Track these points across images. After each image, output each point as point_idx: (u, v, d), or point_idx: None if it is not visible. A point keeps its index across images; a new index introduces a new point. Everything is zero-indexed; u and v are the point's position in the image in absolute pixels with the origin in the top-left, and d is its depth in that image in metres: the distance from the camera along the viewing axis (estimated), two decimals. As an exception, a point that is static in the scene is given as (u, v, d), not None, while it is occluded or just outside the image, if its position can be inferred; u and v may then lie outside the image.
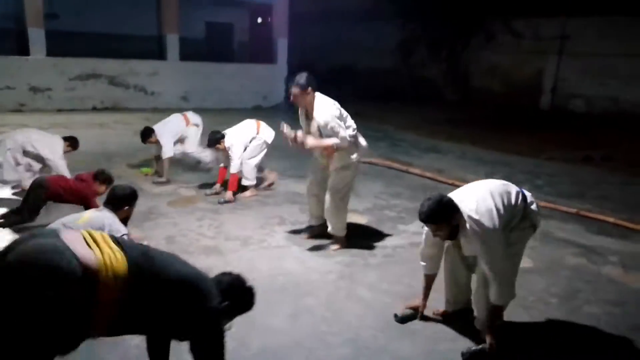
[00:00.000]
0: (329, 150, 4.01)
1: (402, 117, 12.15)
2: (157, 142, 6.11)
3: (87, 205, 4.00)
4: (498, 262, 2.70)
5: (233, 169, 5.47)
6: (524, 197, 2.89)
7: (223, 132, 5.59)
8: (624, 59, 12.29)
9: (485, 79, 15.22)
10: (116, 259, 1.79)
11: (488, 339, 2.73)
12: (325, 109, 3.96)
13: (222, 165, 5.76)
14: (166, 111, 12.04)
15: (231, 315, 2.19)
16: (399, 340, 2.87)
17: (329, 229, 4.25)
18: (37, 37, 11.00)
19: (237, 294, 2.15)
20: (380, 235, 4.55)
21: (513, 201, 2.80)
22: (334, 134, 3.89)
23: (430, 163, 7.59)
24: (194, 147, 6.57)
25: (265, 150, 5.79)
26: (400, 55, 16.53)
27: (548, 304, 3.37)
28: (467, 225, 2.67)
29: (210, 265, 3.80)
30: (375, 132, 10.30)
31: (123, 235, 3.00)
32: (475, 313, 2.96)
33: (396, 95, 15.24)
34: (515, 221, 2.82)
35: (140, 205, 4.97)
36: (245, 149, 5.60)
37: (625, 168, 7.58)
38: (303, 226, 4.62)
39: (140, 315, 1.88)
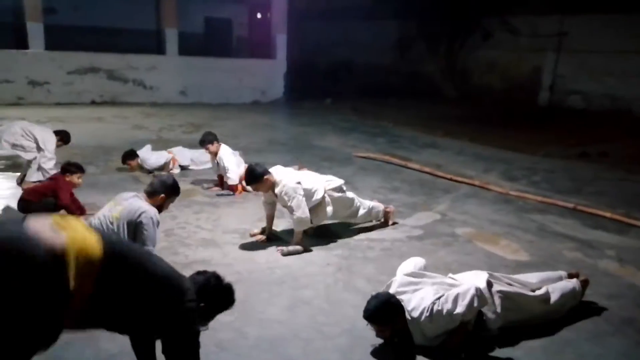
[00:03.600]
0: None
1: (401, 113, 12.16)
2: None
3: (58, 199, 4.34)
4: None
5: (232, 181, 5.47)
6: None
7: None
8: (621, 56, 12.30)
9: (484, 76, 15.20)
10: (87, 243, 1.67)
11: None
12: (285, 182, 3.95)
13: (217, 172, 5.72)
14: (164, 105, 12.10)
15: (209, 316, 2.17)
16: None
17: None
18: (35, 31, 10.99)
19: (214, 294, 2.14)
20: (378, 230, 4.57)
21: None
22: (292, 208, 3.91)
23: (429, 158, 7.61)
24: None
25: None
26: (398, 52, 16.53)
27: (544, 297, 3.39)
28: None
29: (208, 257, 3.83)
30: (374, 128, 10.34)
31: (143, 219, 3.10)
32: None
33: (394, 92, 15.22)
34: None
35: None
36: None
37: (622, 164, 7.60)
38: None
39: (113, 307, 1.79)
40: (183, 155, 6.46)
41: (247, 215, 4.82)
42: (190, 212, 4.81)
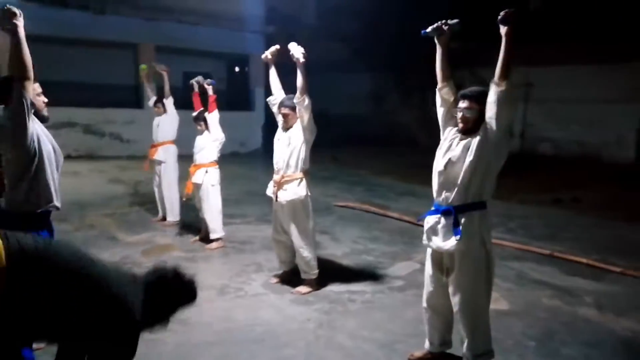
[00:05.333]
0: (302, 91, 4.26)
1: (377, 162, 12.36)
2: None
3: None
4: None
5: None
6: None
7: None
8: (586, 105, 12.87)
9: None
10: None
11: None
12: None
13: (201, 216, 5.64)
14: (142, 159, 12.04)
15: (170, 314, 2.10)
16: (380, 389, 2.82)
17: (301, 274, 4.25)
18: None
19: (176, 292, 2.09)
20: (359, 281, 4.53)
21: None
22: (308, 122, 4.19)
23: (407, 207, 7.68)
24: (172, 191, 6.43)
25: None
26: (374, 103, 17.00)
27: (526, 347, 3.38)
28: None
29: (185, 316, 3.71)
30: (352, 177, 10.45)
31: None
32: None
33: (370, 141, 15.55)
34: None
35: (113, 255, 4.92)
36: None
37: (593, 210, 7.79)
38: (280, 272, 4.58)
39: (31, 314, 1.70)
40: None
41: (225, 269, 4.75)
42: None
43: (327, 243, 5.68)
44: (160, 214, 6.39)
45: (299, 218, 4.20)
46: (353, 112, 17.10)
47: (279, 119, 4.35)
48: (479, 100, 2.79)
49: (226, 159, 10.44)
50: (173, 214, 6.34)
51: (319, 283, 4.25)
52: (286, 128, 4.28)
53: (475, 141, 2.77)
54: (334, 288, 4.29)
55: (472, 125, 2.81)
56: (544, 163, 12.64)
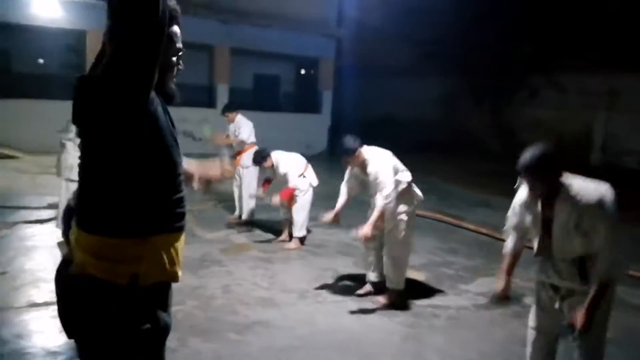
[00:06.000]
0: (381, 220, 3.92)
1: (447, 169, 11.99)
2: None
3: None
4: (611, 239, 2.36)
5: (292, 183, 5.43)
6: None
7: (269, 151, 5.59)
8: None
9: (531, 134, 14.96)
10: None
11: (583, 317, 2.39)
12: (378, 162, 3.94)
13: (284, 217, 5.72)
14: (212, 156, 12.35)
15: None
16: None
17: (387, 283, 4.10)
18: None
19: None
20: (440, 295, 4.36)
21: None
22: (381, 187, 3.83)
23: (483, 218, 7.36)
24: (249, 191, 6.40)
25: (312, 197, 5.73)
26: (443, 108, 16.58)
27: None
28: (578, 196, 2.37)
29: (268, 318, 3.70)
30: (422, 184, 10.12)
31: None
32: None
33: (438, 147, 15.16)
34: None
35: (195, 251, 5.00)
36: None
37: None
38: (358, 280, 4.48)
39: None
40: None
41: (303, 272, 4.72)
42: (245, 268, 4.74)
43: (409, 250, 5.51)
44: (237, 213, 6.49)
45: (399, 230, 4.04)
46: (421, 117, 16.77)
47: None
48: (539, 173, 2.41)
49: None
50: (248, 214, 6.41)
51: (401, 296, 4.10)
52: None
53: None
54: (415, 301, 4.14)
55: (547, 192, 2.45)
56: (628, 177, 11.78)
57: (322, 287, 4.37)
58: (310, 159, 13.50)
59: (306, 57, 14.37)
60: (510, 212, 2.70)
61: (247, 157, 6.37)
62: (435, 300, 4.23)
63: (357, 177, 4.18)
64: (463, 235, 6.48)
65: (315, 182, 5.71)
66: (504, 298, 2.74)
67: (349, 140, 3.97)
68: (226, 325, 3.50)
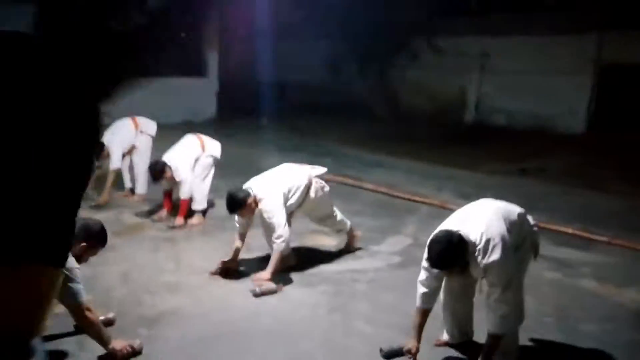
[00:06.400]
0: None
1: (338, 133, 12.07)
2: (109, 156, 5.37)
3: None
4: (512, 288, 2.56)
5: (184, 194, 4.97)
6: (525, 216, 2.79)
7: (162, 158, 5.00)
8: (538, 76, 13.12)
9: (413, 96, 15.63)
10: None
11: None
12: (270, 201, 3.71)
13: (166, 189, 5.20)
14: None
15: None
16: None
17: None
18: None
19: None
20: (355, 258, 4.31)
21: (517, 221, 2.70)
22: (274, 228, 3.68)
23: (381, 178, 7.50)
24: (144, 161, 5.71)
25: (214, 168, 5.33)
26: (330, 71, 16.59)
27: (544, 324, 3.29)
28: (477, 257, 2.53)
29: (178, 305, 3.35)
30: (316, 148, 10.13)
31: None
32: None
33: (327, 111, 15.22)
34: (519, 241, 2.71)
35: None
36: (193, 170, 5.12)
37: (559, 179, 7.94)
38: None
39: None
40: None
41: (211, 250, 4.35)
42: (145, 251, 4.27)
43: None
44: (128, 186, 5.82)
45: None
46: (310, 81, 16.63)
47: None
48: (451, 265, 2.60)
49: (181, 129, 9.87)
50: (142, 187, 5.77)
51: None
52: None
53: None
54: (333, 267, 4.04)
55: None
56: (499, 134, 12.84)
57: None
58: (199, 126, 12.86)
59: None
60: (421, 277, 2.78)
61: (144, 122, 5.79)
62: (352, 264, 4.17)
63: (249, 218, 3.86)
64: (365, 196, 6.52)
65: (218, 152, 5.29)
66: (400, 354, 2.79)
67: (236, 195, 3.63)
68: (133, 320, 3.09)
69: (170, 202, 5.14)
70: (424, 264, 2.72)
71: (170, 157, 4.99)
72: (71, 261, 2.55)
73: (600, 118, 12.72)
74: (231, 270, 3.83)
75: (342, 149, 10.06)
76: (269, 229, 3.74)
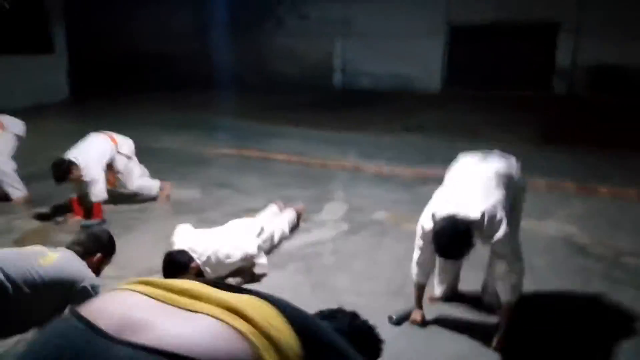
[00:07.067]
0: None
1: (217, 104, 11.56)
2: None
3: None
4: (519, 256, 2.64)
5: (95, 196, 4.34)
6: (513, 164, 2.82)
7: (66, 156, 4.33)
8: (398, 39, 13.92)
9: (282, 63, 15.54)
10: (279, 336, 0.89)
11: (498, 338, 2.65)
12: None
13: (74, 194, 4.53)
14: None
15: None
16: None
17: None
18: None
19: (364, 341, 1.56)
20: (305, 231, 4.20)
21: (509, 176, 2.70)
22: None
23: (284, 147, 7.36)
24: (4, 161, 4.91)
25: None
26: (197, 40, 15.66)
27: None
28: (484, 236, 2.51)
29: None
30: (205, 123, 9.55)
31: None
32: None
33: (198, 82, 14.42)
34: (513, 199, 2.70)
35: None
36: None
37: (437, 133, 8.54)
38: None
39: None
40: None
41: (147, 246, 3.88)
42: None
43: (238, 197, 5.10)
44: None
45: None
46: (177, 51, 15.48)
47: None
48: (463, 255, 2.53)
49: (30, 113, 8.43)
50: (17, 189, 4.92)
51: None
52: None
53: None
54: (291, 244, 3.88)
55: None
56: (367, 96, 13.33)
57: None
58: (51, 109, 11.25)
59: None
60: (416, 254, 2.76)
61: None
62: (306, 237, 4.06)
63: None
64: (279, 167, 6.37)
65: (131, 149, 4.73)
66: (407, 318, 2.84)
67: (178, 259, 3.08)
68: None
69: (80, 207, 4.47)
70: (418, 242, 2.69)
71: (76, 154, 4.30)
72: (94, 277, 2.33)
73: (452, 76, 14.01)
74: None
75: (230, 122, 9.65)
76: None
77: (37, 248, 2.36)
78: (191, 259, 3.09)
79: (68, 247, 2.42)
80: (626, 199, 4.88)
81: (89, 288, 2.23)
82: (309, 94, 13.54)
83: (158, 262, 3.52)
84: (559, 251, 3.81)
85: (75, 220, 4.40)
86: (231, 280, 3.22)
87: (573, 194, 5.10)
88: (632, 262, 3.58)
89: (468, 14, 13.19)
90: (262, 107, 11.58)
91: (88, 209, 4.43)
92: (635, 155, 6.56)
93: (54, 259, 2.25)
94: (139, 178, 4.85)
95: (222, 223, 3.74)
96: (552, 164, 6.19)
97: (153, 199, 4.94)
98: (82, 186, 4.41)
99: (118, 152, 4.60)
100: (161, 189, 5.01)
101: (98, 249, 2.47)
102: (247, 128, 9.06)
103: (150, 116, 10.05)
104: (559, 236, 4.04)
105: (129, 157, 4.72)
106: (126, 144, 4.75)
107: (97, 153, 4.44)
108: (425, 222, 2.59)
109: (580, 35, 12.03)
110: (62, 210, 4.61)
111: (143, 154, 6.45)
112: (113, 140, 4.65)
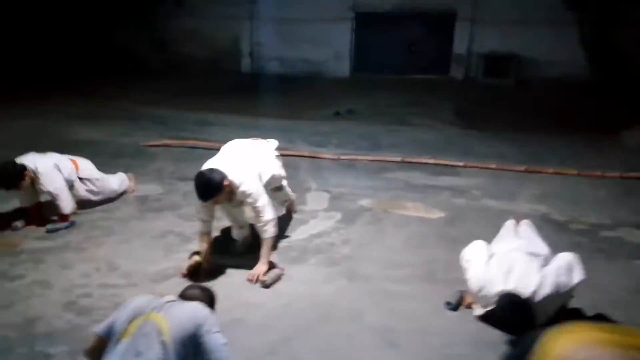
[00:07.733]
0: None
1: (132, 93, 10.56)
2: None
3: None
4: None
5: (64, 209, 3.84)
6: None
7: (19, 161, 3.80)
8: (309, 24, 13.90)
9: (185, 45, 14.71)
10: None
11: None
12: (249, 183, 3.22)
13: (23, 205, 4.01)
14: None
15: None
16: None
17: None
18: None
19: None
20: (303, 223, 4.13)
21: None
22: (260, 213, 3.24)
23: (225, 137, 6.97)
24: None
25: None
26: (95, 26, 14.14)
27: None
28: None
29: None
30: (128, 112, 8.75)
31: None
32: None
33: (101, 71, 13.07)
34: None
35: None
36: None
37: (366, 118, 8.69)
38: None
39: None
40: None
41: (136, 244, 3.53)
42: (55, 269, 3.18)
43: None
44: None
45: None
46: (80, 39, 13.81)
47: None
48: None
49: None
50: None
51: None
52: None
53: None
54: (297, 237, 3.80)
55: None
56: (284, 81, 13.12)
57: (178, 259, 3.41)
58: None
59: None
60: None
61: None
62: (308, 229, 4.04)
63: (211, 208, 3.25)
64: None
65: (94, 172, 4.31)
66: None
67: (212, 177, 3.02)
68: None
69: (38, 214, 3.93)
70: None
71: (30, 161, 3.77)
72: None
73: (360, 62, 14.38)
74: (203, 270, 3.21)
75: (152, 111, 8.92)
76: (241, 214, 3.32)
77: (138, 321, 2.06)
78: (224, 177, 3.02)
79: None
80: (569, 177, 5.38)
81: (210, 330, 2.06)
82: (221, 79, 13.01)
83: (162, 265, 3.30)
84: (545, 229, 4.10)
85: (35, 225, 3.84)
86: (263, 278, 3.08)
87: (523, 175, 5.49)
88: (611, 235, 3.99)
89: (372, 0, 13.58)
90: (174, 93, 10.87)
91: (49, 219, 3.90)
92: (543, 137, 7.12)
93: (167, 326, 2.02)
94: (105, 181, 4.36)
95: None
96: (487, 147, 6.62)
97: (119, 195, 4.48)
98: (36, 195, 3.87)
99: (79, 177, 4.08)
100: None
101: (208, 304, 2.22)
102: (174, 117, 8.49)
103: (55, 107, 8.94)
104: (537, 215, 4.32)
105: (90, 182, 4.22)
106: (87, 169, 4.25)
107: (55, 163, 3.91)
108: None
109: (475, 24, 13.03)
110: (12, 216, 3.98)
111: (67, 147, 5.70)
112: (74, 162, 4.12)
